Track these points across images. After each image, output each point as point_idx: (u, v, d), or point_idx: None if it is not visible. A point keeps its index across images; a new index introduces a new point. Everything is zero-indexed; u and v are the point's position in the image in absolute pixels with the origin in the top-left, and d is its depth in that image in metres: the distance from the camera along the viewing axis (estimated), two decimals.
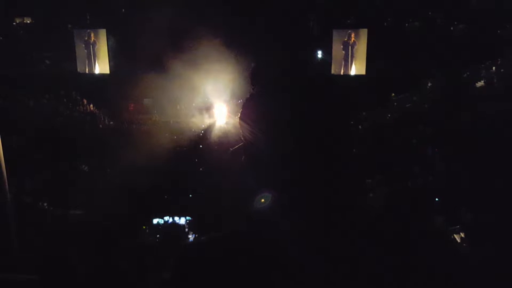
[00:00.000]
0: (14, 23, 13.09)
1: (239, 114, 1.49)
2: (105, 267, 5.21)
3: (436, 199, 6.82)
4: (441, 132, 8.40)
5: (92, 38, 12.56)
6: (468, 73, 9.90)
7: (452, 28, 11.52)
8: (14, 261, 4.49)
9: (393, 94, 10.53)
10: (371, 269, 1.41)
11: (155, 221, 7.06)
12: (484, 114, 7.99)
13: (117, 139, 10.05)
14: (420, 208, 6.42)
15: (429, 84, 10.18)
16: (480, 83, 9.45)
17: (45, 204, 7.05)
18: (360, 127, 9.60)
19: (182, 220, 7.04)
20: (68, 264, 5.04)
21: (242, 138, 1.52)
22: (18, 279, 3.70)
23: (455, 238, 5.85)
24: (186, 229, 6.99)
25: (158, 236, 6.85)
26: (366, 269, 1.40)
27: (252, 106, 1.43)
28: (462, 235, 5.85)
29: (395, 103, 10.41)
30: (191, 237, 6.85)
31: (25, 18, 13.11)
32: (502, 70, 9.46)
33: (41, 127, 9.82)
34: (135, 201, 7.35)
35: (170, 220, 7.05)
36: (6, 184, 4.31)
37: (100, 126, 11.08)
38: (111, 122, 11.24)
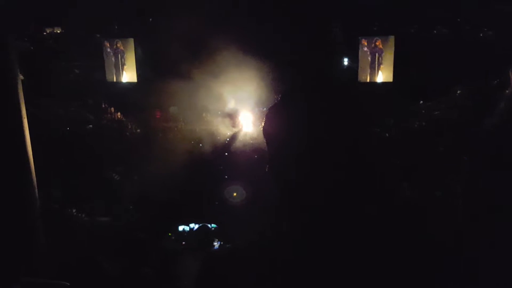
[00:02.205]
0: (45, 33, 13.36)
1: (262, 124, 1.48)
2: (131, 273, 5.26)
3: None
4: (470, 140, 8.25)
5: (120, 47, 12.75)
6: (498, 79, 9.72)
7: (481, 35, 11.35)
8: (43, 267, 4.55)
9: (421, 101, 10.40)
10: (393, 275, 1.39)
11: (180, 228, 7.10)
12: None
13: (143, 147, 10.16)
14: (448, 218, 6.31)
15: (458, 92, 10.03)
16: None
17: (73, 210, 7.16)
18: (387, 134, 9.51)
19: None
20: (96, 270, 5.10)
21: (266, 148, 1.51)
22: (47, 283, 3.75)
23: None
24: (212, 237, 7.01)
25: (183, 243, 6.88)
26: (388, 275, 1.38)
27: (275, 117, 1.43)
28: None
29: (423, 111, 10.28)
30: (216, 244, 6.86)
31: (55, 28, 13.38)
32: None
33: (70, 135, 10.00)
34: (161, 208, 7.42)
35: (196, 227, 7.08)
36: (36, 191, 4.39)
37: (127, 134, 11.21)
38: (138, 130, 11.36)
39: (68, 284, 3.75)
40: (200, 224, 6.91)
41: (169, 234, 7.08)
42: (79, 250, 5.68)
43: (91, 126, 10.81)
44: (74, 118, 10.78)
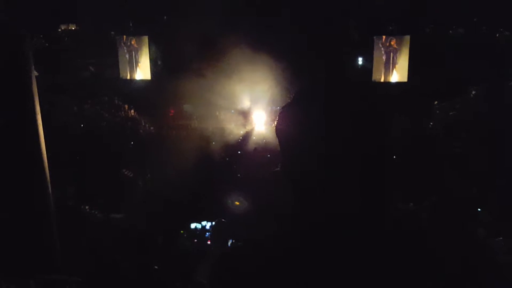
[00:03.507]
0: (59, 30, 13.45)
1: (275, 123, 1.46)
2: (144, 270, 5.27)
3: (479, 209, 6.66)
4: (485, 141, 8.18)
5: (134, 45, 12.79)
6: None
7: (497, 35, 11.23)
8: (58, 263, 4.57)
9: (435, 102, 10.32)
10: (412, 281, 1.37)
11: (192, 225, 7.10)
12: None
13: (157, 145, 10.18)
14: (463, 219, 6.26)
15: (473, 92, 9.93)
16: None
17: (87, 207, 7.19)
18: (401, 135, 9.44)
19: None
20: (108, 266, 5.11)
21: (279, 148, 1.50)
22: (60, 279, 3.76)
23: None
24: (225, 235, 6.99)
25: (195, 240, 6.88)
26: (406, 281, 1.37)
27: (289, 117, 1.41)
28: (504, 245, 5.69)
29: (438, 111, 10.20)
30: (229, 242, 6.85)
31: (70, 25, 13.46)
32: None
33: (84, 132, 10.06)
34: (174, 205, 7.42)
35: (208, 225, 7.07)
36: (49, 187, 4.40)
37: (141, 131, 11.24)
38: (151, 128, 11.39)
39: (80, 279, 3.76)
40: (216, 221, 6.90)
41: (181, 231, 7.09)
42: (93, 247, 5.70)
43: (105, 123, 10.86)
44: (88, 115, 10.83)
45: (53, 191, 4.57)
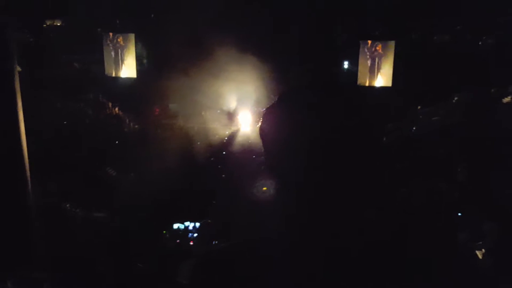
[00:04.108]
0: (45, 25, 13.27)
1: (259, 124, 1.47)
2: (124, 269, 5.24)
3: (459, 214, 6.73)
4: (468, 146, 8.27)
5: (121, 42, 12.69)
6: (496, 88, 9.74)
7: (480, 43, 11.34)
8: (39, 261, 4.53)
9: (419, 107, 10.41)
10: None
11: (175, 226, 7.08)
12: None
13: (141, 143, 10.13)
14: (443, 223, 6.32)
15: (456, 98, 10.04)
16: (507, 99, 9.31)
17: (68, 205, 7.13)
18: (384, 139, 9.50)
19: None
20: (88, 264, 5.08)
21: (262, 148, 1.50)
22: (39, 277, 3.73)
23: (477, 254, 5.75)
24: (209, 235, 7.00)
25: (178, 241, 6.86)
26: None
27: (272, 118, 1.42)
28: (484, 251, 5.75)
29: (421, 116, 10.29)
30: (213, 243, 6.85)
31: (55, 20, 13.28)
32: None
33: (67, 129, 9.96)
34: (157, 205, 7.39)
35: (191, 225, 7.06)
36: (29, 184, 4.36)
37: (125, 129, 11.17)
38: (136, 126, 11.33)
39: (59, 277, 3.73)
40: (201, 222, 6.88)
41: (164, 231, 7.06)
42: (74, 245, 5.66)
43: (88, 120, 10.78)
44: (72, 112, 10.73)
45: (35, 189, 4.53)
